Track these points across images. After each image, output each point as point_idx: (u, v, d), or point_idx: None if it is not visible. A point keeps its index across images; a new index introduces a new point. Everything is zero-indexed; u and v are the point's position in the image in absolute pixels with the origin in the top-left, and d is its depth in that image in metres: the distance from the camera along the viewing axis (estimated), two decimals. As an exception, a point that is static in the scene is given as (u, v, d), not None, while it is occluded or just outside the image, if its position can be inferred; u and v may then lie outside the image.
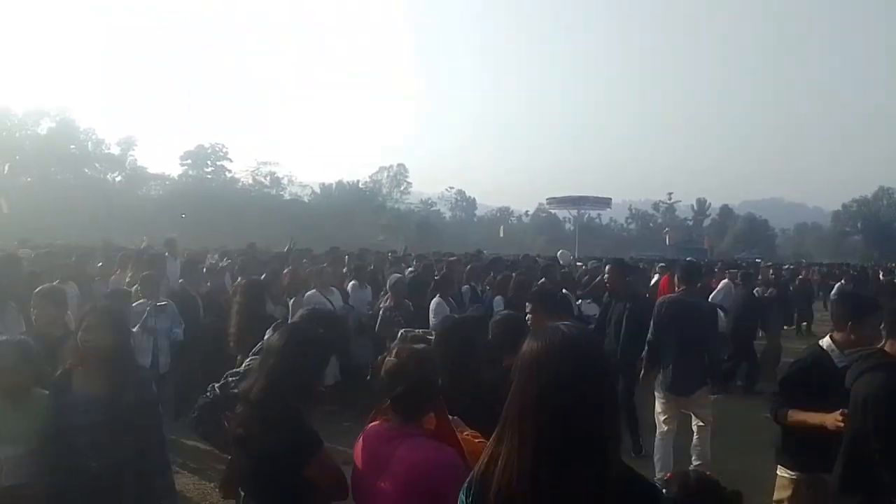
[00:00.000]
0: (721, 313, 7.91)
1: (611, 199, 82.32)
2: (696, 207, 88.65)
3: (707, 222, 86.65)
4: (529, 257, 17.70)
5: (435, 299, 7.25)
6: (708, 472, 2.38)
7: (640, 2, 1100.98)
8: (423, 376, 2.20)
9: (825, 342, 3.46)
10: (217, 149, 72.65)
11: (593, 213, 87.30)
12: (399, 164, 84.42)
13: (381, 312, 7.39)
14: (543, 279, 8.98)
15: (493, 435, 1.54)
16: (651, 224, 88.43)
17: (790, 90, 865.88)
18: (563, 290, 8.36)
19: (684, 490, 2.06)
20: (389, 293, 7.69)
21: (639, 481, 1.50)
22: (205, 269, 9.57)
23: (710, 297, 9.60)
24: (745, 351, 9.57)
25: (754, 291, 10.80)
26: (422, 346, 2.37)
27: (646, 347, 5.82)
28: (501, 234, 67.52)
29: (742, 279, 10.46)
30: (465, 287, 8.85)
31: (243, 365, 3.18)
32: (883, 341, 3.03)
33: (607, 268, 7.36)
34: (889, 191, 75.58)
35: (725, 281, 10.97)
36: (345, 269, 9.60)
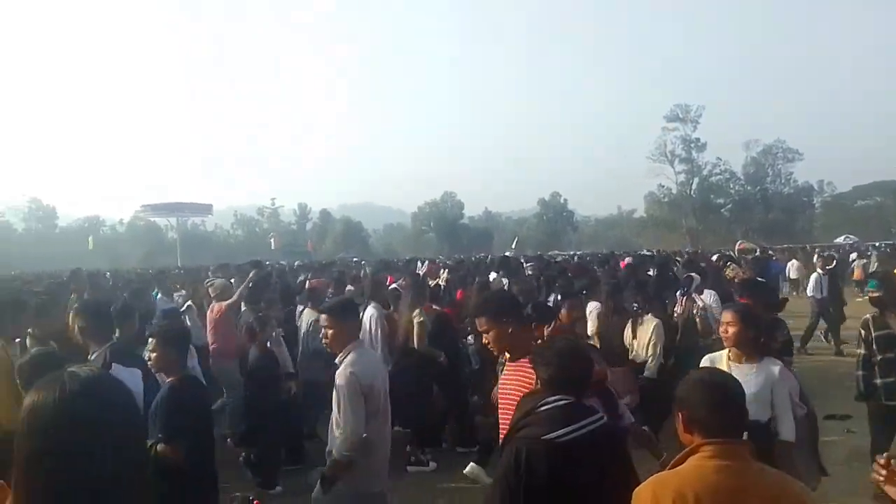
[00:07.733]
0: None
1: (212, 205, 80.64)
2: (298, 212, 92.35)
3: (309, 226, 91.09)
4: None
5: None
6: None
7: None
8: None
9: None
10: None
11: (197, 220, 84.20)
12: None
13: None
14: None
15: None
16: (257, 229, 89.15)
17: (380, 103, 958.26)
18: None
19: None
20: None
21: None
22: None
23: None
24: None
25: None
26: None
27: None
28: (91, 247, 60.04)
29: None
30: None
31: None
32: None
33: None
34: (452, 194, 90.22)
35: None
36: None
